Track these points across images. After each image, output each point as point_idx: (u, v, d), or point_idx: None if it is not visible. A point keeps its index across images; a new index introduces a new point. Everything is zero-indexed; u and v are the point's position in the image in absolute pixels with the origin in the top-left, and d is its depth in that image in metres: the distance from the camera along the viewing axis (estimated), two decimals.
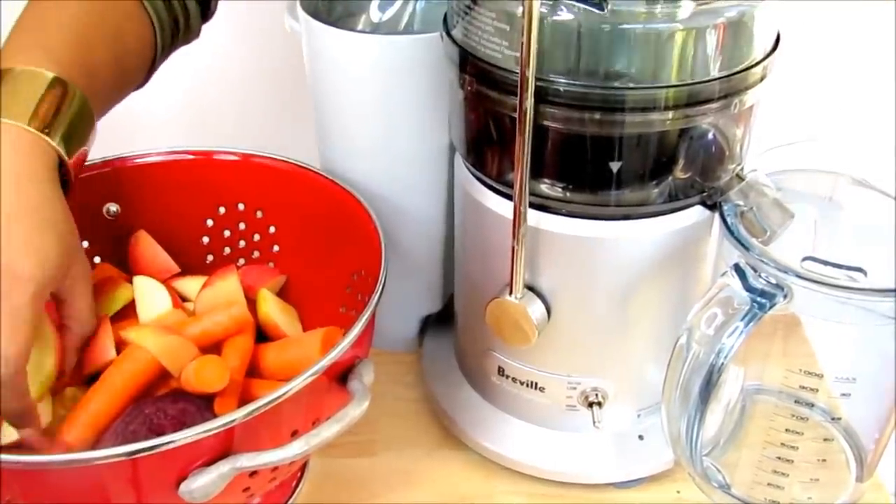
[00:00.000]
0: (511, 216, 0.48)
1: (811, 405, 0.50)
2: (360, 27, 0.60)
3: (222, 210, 0.63)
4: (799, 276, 0.44)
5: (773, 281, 0.45)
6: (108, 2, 0.52)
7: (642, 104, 0.45)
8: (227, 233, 0.64)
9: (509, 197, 0.49)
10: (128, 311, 0.58)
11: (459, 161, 0.56)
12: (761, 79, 0.47)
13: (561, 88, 0.45)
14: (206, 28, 0.65)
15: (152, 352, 0.51)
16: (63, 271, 0.44)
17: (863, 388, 0.49)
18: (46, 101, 0.45)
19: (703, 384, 0.46)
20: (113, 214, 0.62)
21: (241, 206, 0.63)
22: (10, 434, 0.47)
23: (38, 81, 0.45)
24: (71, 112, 0.46)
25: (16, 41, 0.48)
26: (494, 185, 0.52)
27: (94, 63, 0.50)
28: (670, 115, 0.45)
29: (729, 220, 0.48)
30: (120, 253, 0.62)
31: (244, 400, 0.51)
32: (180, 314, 0.58)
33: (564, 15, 0.43)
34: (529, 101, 0.44)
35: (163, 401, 0.49)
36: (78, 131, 0.47)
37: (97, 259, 0.62)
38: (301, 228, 0.62)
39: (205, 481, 0.41)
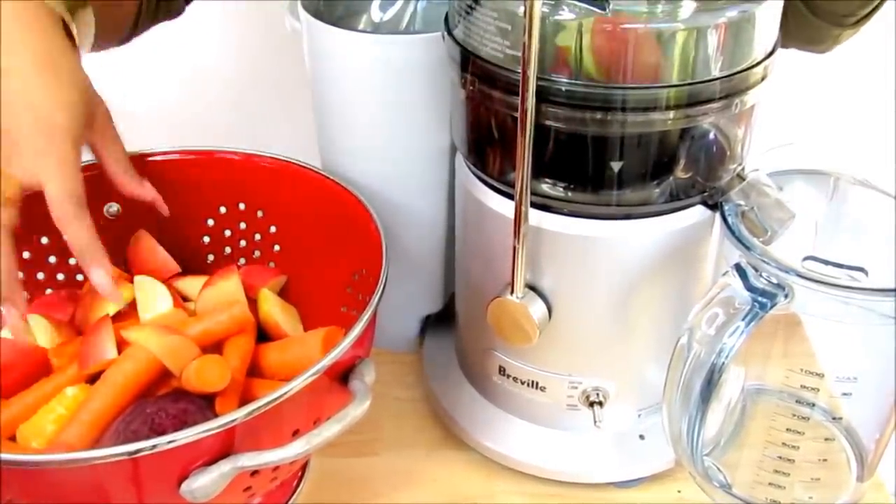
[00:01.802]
0: (512, 216, 0.48)
1: (812, 405, 0.50)
2: (361, 27, 0.60)
3: (223, 209, 0.63)
4: (800, 276, 0.44)
5: (775, 280, 0.45)
6: None
7: (643, 104, 0.45)
8: (227, 232, 0.64)
9: (510, 196, 0.49)
10: (129, 311, 0.58)
11: (461, 161, 0.56)
12: (762, 79, 0.47)
13: (562, 88, 0.45)
14: (207, 27, 0.65)
15: (153, 351, 0.51)
16: (90, 119, 0.48)
17: (864, 388, 0.49)
18: None
19: (704, 384, 0.46)
20: (113, 214, 0.61)
21: (241, 206, 0.63)
22: None
23: None
24: None
25: None
26: (496, 184, 0.52)
27: None
28: (671, 114, 0.45)
29: (730, 219, 0.48)
30: (120, 253, 0.62)
31: (245, 400, 0.51)
32: (181, 314, 0.58)
33: (566, 14, 0.43)
34: (531, 101, 0.44)
35: (164, 400, 0.49)
36: (76, 12, 0.49)
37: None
38: (302, 228, 0.62)
39: (206, 481, 0.41)
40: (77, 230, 0.47)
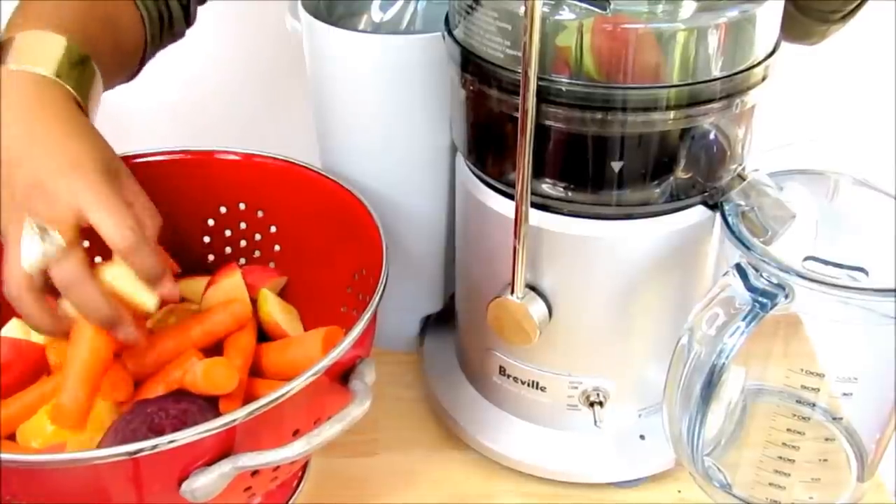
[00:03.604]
0: (512, 216, 0.48)
1: (812, 405, 0.50)
2: (361, 27, 0.60)
3: (223, 210, 0.63)
4: (800, 276, 0.44)
5: (775, 281, 0.45)
6: None
7: (644, 104, 0.45)
8: (228, 232, 0.64)
9: (511, 196, 0.49)
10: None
11: (461, 161, 0.56)
12: (763, 79, 0.47)
13: (563, 88, 0.45)
14: (206, 28, 0.65)
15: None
16: (115, 173, 0.48)
17: (864, 388, 0.49)
18: (59, 55, 0.50)
19: (704, 384, 0.46)
20: None
21: (241, 206, 0.63)
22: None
23: (49, 40, 0.50)
24: (78, 67, 0.51)
25: (19, 17, 0.53)
26: (496, 184, 0.52)
27: (94, 35, 0.54)
28: (672, 114, 0.45)
29: (730, 219, 0.48)
30: None
31: (246, 399, 0.51)
32: (185, 311, 0.58)
33: (566, 14, 0.43)
34: (531, 101, 0.44)
35: (165, 400, 0.49)
36: (85, 84, 0.51)
37: (98, 259, 0.62)
38: (302, 228, 0.62)
39: (206, 481, 0.41)
40: (141, 262, 0.47)
